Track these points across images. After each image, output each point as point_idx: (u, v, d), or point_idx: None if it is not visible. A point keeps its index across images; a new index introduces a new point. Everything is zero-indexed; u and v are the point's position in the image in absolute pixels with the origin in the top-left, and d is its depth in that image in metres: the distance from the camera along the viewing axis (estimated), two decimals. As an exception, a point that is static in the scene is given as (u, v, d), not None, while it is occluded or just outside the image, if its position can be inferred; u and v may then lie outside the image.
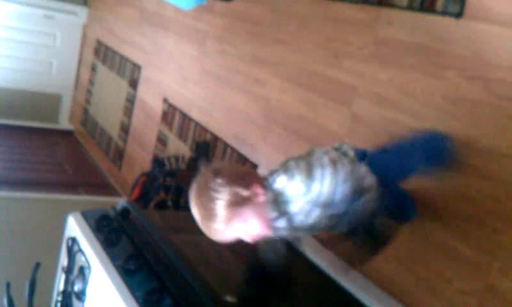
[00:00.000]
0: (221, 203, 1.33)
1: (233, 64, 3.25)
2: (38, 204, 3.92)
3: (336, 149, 1.61)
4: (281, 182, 1.42)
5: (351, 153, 1.59)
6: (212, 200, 1.34)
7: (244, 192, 1.36)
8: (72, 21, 5.77)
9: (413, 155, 1.79)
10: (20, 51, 5.57)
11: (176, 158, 3.56)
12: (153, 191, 3.47)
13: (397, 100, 2.16)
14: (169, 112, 3.89)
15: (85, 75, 5.81)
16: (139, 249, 1.76)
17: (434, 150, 1.87)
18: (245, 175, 1.42)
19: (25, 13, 5.48)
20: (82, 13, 5.81)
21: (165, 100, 3.97)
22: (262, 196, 1.38)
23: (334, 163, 1.47)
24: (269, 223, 1.43)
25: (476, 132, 1.87)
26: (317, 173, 1.42)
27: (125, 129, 4.64)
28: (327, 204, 1.45)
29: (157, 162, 3.66)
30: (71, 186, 4.50)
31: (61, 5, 5.68)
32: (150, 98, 4.28)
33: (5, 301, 1.87)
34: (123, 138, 4.65)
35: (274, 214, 1.44)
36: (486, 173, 1.82)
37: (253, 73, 3.05)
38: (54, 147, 5.40)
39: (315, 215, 1.47)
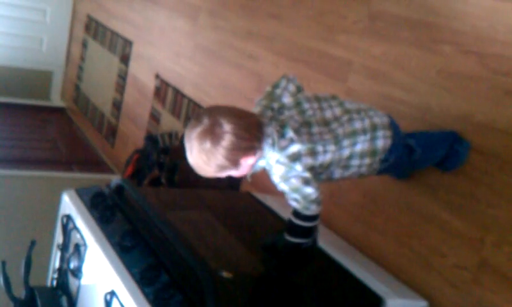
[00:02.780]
0: (210, 167, 1.44)
1: (226, 39, 3.22)
2: (31, 182, 3.91)
3: None
4: (278, 171, 1.52)
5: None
6: (203, 159, 1.43)
7: (233, 166, 1.46)
8: (62, -4, 5.70)
9: (432, 153, 1.86)
10: (9, 27, 5.50)
11: (170, 135, 3.54)
12: (147, 168, 3.46)
13: (392, 74, 2.15)
14: (162, 88, 3.86)
15: (76, 51, 5.75)
16: (134, 226, 1.76)
17: (449, 152, 1.87)
18: (241, 148, 1.45)
19: (13, -12, 5.41)
20: (71, -13, 5.74)
21: (157, 76, 3.94)
22: (251, 161, 1.48)
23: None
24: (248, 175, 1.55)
25: (471, 107, 1.86)
26: (311, 186, 1.53)
27: (117, 106, 4.61)
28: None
29: (151, 138, 3.64)
30: (64, 163, 4.48)
31: (50, -20, 5.60)
32: (142, 74, 4.25)
33: (1, 279, 1.87)
34: (115, 115, 4.63)
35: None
36: (480, 148, 1.82)
37: (246, 48, 3.03)
38: (46, 124, 5.36)
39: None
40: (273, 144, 1.48)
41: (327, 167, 1.58)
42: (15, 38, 5.54)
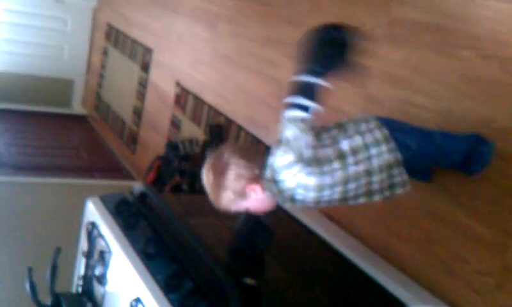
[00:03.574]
0: (224, 199, 1.52)
1: (245, 46, 3.25)
2: (54, 189, 3.97)
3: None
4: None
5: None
6: (216, 193, 1.53)
7: (241, 197, 1.53)
8: (82, 5, 5.77)
9: (451, 151, 1.82)
10: (31, 36, 5.59)
11: (190, 142, 3.57)
12: (168, 175, 3.50)
13: (412, 80, 2.15)
14: (182, 96, 3.89)
15: (97, 59, 5.82)
16: (158, 233, 1.79)
17: (473, 153, 1.83)
18: (244, 176, 1.52)
19: (35, -2, 5.51)
20: (92, -3, 5.82)
21: (177, 83, 3.98)
22: (259, 193, 1.52)
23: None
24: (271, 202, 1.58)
25: (492, 112, 1.86)
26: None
27: (138, 113, 4.66)
28: None
29: (171, 145, 3.67)
30: (86, 170, 4.54)
31: (70, -11, 5.69)
32: (162, 81, 4.29)
33: (27, 286, 1.90)
34: (136, 122, 4.67)
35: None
36: (502, 153, 1.81)
37: (265, 54, 3.05)
38: (68, 132, 5.43)
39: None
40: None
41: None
42: (37, 47, 5.63)
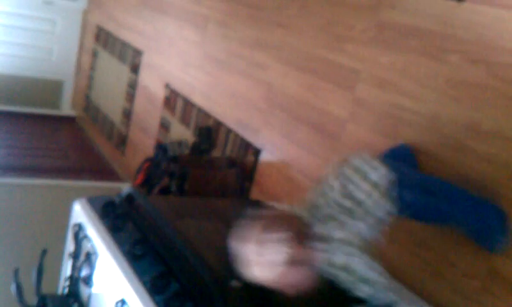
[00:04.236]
0: (277, 259, 1.33)
1: (235, 49, 3.25)
2: (42, 190, 3.95)
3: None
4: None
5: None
6: (270, 253, 1.33)
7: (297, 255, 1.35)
8: (71, 6, 5.75)
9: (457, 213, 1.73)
10: (20, 37, 5.56)
11: (180, 144, 3.56)
12: (157, 177, 3.48)
13: (400, 83, 2.16)
14: (172, 98, 3.89)
15: (86, 61, 5.80)
16: (145, 235, 1.78)
17: (483, 224, 1.77)
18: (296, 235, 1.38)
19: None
20: (82, -2, 5.80)
21: (167, 85, 3.97)
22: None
23: None
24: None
25: (478, 115, 1.87)
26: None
27: (127, 115, 4.64)
28: None
29: (161, 147, 3.66)
30: (75, 172, 4.52)
31: (60, -9, 5.67)
32: (151, 83, 4.28)
33: (14, 287, 1.89)
34: (125, 124, 4.66)
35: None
36: (487, 156, 1.83)
37: (255, 57, 3.05)
38: (57, 133, 5.41)
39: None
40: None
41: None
42: (26, 48, 5.60)
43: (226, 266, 1.76)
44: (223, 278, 1.59)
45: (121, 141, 4.70)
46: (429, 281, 1.98)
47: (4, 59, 5.51)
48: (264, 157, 2.89)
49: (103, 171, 4.65)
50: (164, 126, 3.96)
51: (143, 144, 4.29)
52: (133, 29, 4.72)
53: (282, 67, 2.84)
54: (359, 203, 1.52)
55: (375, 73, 2.28)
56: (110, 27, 5.23)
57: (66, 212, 2.07)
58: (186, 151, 3.43)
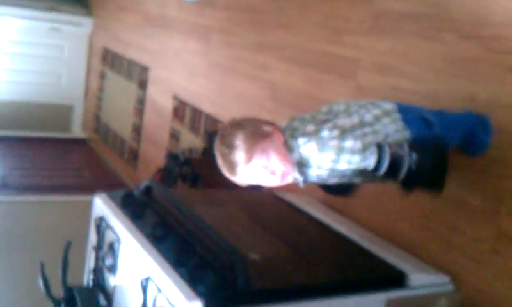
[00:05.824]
0: (242, 134, 1.43)
1: (239, 54, 3.36)
2: (58, 206, 4.05)
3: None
4: (311, 149, 1.47)
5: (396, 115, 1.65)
6: (234, 134, 1.43)
7: (265, 127, 1.47)
8: (77, 32, 5.91)
9: (455, 136, 1.83)
10: (29, 65, 5.72)
11: (190, 151, 3.66)
12: (170, 184, 3.57)
13: (399, 67, 2.26)
14: (180, 108, 4.00)
15: (94, 83, 5.95)
16: (164, 219, 1.87)
17: (471, 134, 1.88)
18: (262, 122, 1.51)
19: (31, 27, 5.64)
20: (87, 23, 5.95)
21: (175, 97, 4.09)
22: (280, 137, 1.48)
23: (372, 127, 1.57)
24: (290, 161, 1.49)
25: (475, 88, 1.96)
26: (349, 144, 1.46)
27: (137, 130, 4.76)
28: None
29: (171, 156, 3.76)
30: (89, 189, 4.61)
31: (65, 17, 5.83)
32: (159, 97, 4.40)
33: (40, 281, 1.98)
34: (136, 139, 4.77)
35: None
36: (488, 124, 1.91)
37: (258, 59, 3.16)
38: (69, 155, 5.53)
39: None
40: (292, 135, 1.51)
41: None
42: (35, 74, 5.76)
43: (244, 244, 1.85)
44: (242, 251, 1.67)
45: (133, 156, 4.81)
46: (441, 251, 2.05)
47: (15, 87, 5.67)
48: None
49: (117, 186, 4.73)
50: (174, 136, 4.07)
51: (155, 157, 4.39)
52: (138, 46, 4.86)
53: (285, 65, 2.94)
54: (368, 123, 1.57)
55: (374, 60, 2.38)
56: (116, 47, 5.38)
57: (83, 226, 2.14)
58: (197, 156, 3.53)
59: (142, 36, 4.78)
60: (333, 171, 1.52)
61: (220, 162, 1.48)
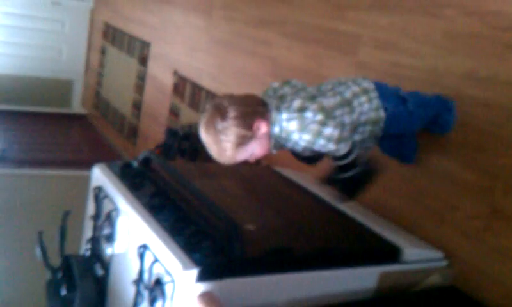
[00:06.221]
0: (228, 145, 1.56)
1: (240, 29, 3.35)
2: (57, 180, 4.06)
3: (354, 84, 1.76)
4: (292, 126, 1.58)
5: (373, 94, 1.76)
6: (220, 141, 1.56)
7: (249, 133, 1.56)
8: (79, 6, 5.89)
9: (426, 115, 1.95)
10: (29, 38, 5.71)
11: (190, 126, 3.67)
12: (170, 158, 3.58)
13: (400, 43, 2.25)
14: (180, 84, 4.00)
15: (95, 58, 5.93)
16: (162, 189, 1.88)
17: (438, 118, 2.00)
18: (248, 113, 1.57)
19: (32, 1, 5.62)
20: (88, -3, 5.94)
21: (175, 73, 4.08)
22: (264, 128, 1.58)
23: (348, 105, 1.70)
24: (269, 148, 1.64)
25: (475, 64, 1.96)
26: (327, 132, 1.56)
27: (137, 106, 4.76)
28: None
29: (170, 132, 3.76)
30: (88, 164, 4.61)
31: (67, -9, 5.81)
32: (160, 72, 4.39)
33: (38, 250, 1.99)
34: (136, 115, 4.77)
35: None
36: (485, 100, 1.91)
37: (260, 35, 3.15)
38: (69, 130, 5.54)
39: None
40: (278, 108, 1.60)
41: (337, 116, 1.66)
42: (36, 48, 5.75)
43: (241, 214, 1.86)
44: (238, 221, 1.68)
45: (133, 132, 4.81)
46: (435, 227, 2.06)
47: (16, 61, 5.66)
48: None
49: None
50: (174, 112, 4.07)
51: (154, 133, 4.40)
52: (140, 22, 4.84)
53: (286, 41, 2.93)
54: (346, 102, 1.70)
55: (375, 35, 2.37)
56: (117, 23, 5.36)
57: (82, 200, 2.16)
58: (196, 132, 3.53)
59: (143, 11, 4.76)
60: (306, 148, 1.64)
61: (205, 143, 1.62)
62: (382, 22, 2.34)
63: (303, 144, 1.60)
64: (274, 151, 1.67)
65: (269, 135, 1.60)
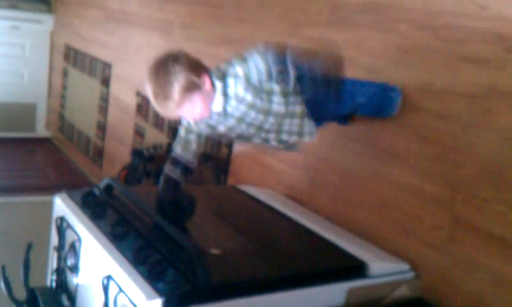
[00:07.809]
0: (176, 87, 1.59)
1: (201, 48, 3.35)
2: (22, 207, 3.99)
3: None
4: (238, 70, 1.69)
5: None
6: (169, 83, 1.59)
7: (197, 81, 1.61)
8: (38, 29, 5.81)
9: (357, 94, 2.03)
10: (-10, 64, 5.60)
11: (155, 147, 3.65)
12: (136, 182, 3.56)
13: (356, 58, 2.28)
14: (143, 104, 3.97)
15: (57, 81, 5.86)
16: (124, 217, 1.86)
17: (381, 96, 2.07)
18: (198, 65, 1.66)
19: (-10, 26, 5.54)
20: (48, 20, 5.85)
21: (138, 93, 4.06)
22: (209, 85, 1.65)
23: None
24: (209, 108, 1.70)
25: (430, 77, 2.00)
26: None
27: (101, 128, 4.71)
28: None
29: (136, 153, 3.73)
30: (54, 189, 4.54)
31: (26, 15, 5.72)
32: (123, 93, 4.36)
33: (2, 283, 1.95)
34: (100, 137, 4.73)
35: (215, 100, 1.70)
36: (441, 112, 1.95)
37: (220, 53, 3.16)
38: (34, 155, 5.45)
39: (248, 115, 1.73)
40: (223, 76, 1.70)
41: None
42: (-3, 74, 5.65)
43: (205, 239, 1.85)
44: (202, 246, 1.68)
45: (98, 155, 4.76)
46: (400, 239, 2.09)
47: (-24, 87, 5.55)
48: (237, 147, 2.98)
49: (82, 186, 4.67)
50: (139, 133, 4.04)
51: (120, 154, 4.36)
52: (100, 43, 4.80)
53: (247, 59, 2.94)
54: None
55: (332, 51, 2.40)
56: (78, 44, 5.30)
57: (48, 227, 2.13)
58: (161, 152, 3.51)
59: (103, 32, 4.73)
60: (240, 120, 1.73)
61: (151, 96, 1.66)
62: (337, 38, 2.37)
63: (249, 98, 1.68)
64: (213, 122, 1.76)
65: (211, 97, 1.66)
